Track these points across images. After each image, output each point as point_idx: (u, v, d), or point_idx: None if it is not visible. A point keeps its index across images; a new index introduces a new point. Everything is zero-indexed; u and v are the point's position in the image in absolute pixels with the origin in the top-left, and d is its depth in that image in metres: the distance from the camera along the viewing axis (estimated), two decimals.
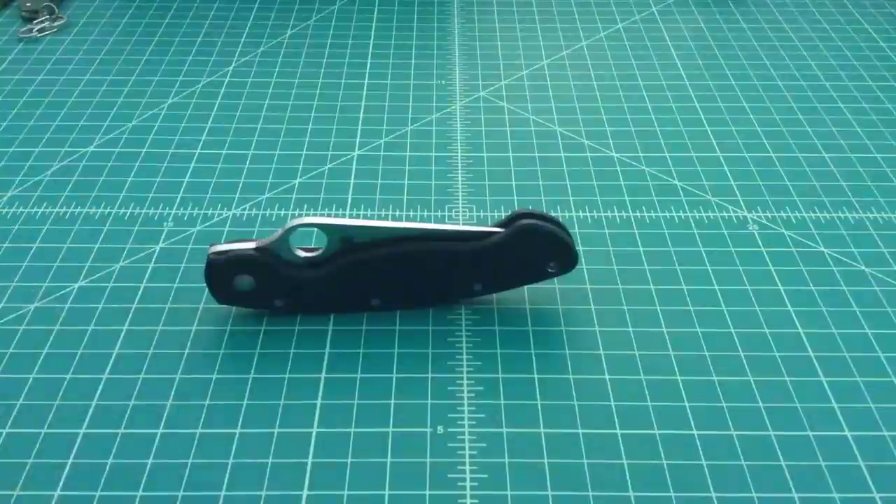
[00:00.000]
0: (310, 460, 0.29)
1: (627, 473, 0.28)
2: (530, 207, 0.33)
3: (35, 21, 0.53)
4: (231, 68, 0.50)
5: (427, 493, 0.28)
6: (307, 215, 0.37)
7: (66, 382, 0.31)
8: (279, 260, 0.32)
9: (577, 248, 0.33)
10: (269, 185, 0.41)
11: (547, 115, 0.46)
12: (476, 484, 0.28)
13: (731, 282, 0.35)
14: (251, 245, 0.32)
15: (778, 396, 0.31)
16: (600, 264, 0.36)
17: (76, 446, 0.29)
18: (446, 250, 0.32)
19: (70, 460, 0.28)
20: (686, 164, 0.42)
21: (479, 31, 0.55)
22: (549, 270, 0.33)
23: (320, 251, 0.32)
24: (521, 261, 0.33)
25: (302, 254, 0.32)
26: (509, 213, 0.33)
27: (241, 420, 0.30)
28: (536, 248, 0.33)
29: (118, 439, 0.29)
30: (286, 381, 0.31)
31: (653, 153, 0.43)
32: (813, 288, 0.35)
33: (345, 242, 0.32)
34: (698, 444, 0.29)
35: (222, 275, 0.32)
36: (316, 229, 0.34)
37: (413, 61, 0.51)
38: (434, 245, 0.32)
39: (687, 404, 0.30)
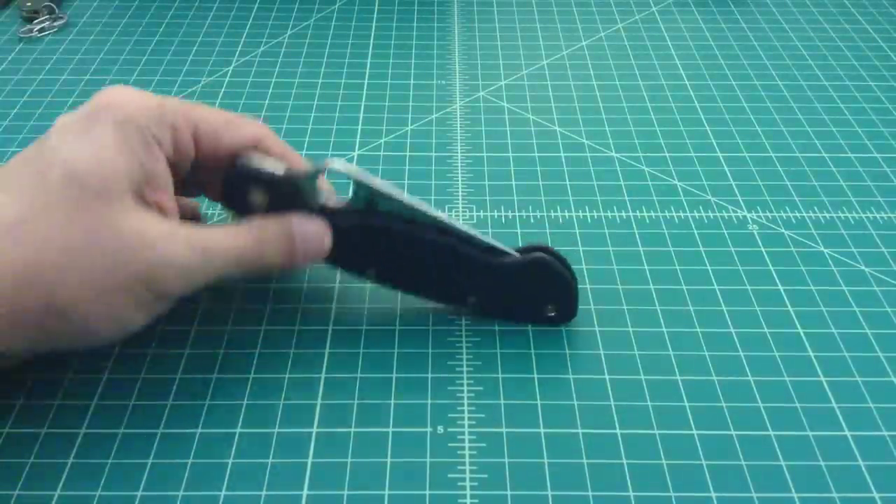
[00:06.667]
0: (310, 460, 0.29)
1: (627, 473, 0.28)
2: (552, 247, 0.32)
3: (35, 21, 0.53)
4: (231, 68, 0.50)
5: (427, 493, 0.28)
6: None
7: (66, 382, 0.31)
8: (299, 194, 0.31)
9: (578, 303, 0.33)
10: None
11: (547, 115, 0.46)
12: (476, 484, 0.28)
13: (731, 282, 0.35)
14: (281, 168, 0.31)
15: (778, 396, 0.31)
16: (600, 264, 0.36)
17: (76, 446, 0.29)
18: (459, 251, 0.32)
19: (70, 460, 0.28)
20: (686, 164, 0.42)
21: (479, 31, 0.55)
22: (547, 313, 0.33)
23: (343, 203, 0.31)
24: (523, 291, 0.32)
25: (324, 197, 0.31)
26: (527, 244, 0.33)
27: (241, 420, 0.30)
28: (543, 283, 0.32)
29: (118, 439, 0.29)
30: (286, 381, 0.31)
31: (653, 153, 0.43)
32: (813, 288, 0.35)
33: (368, 205, 0.31)
34: (698, 444, 0.29)
35: (239, 185, 0.31)
36: (350, 181, 0.31)
37: (413, 61, 0.51)
38: (449, 240, 0.31)
39: (687, 404, 0.30)
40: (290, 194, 0.31)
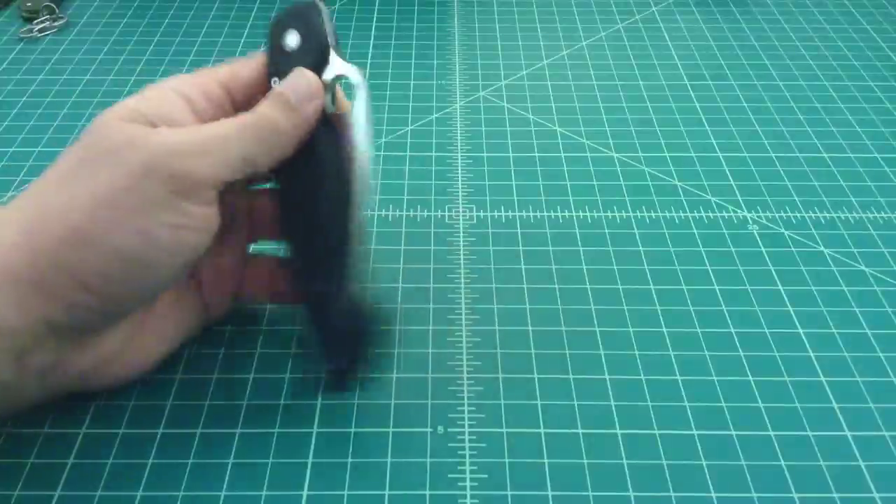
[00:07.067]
0: (310, 460, 0.29)
1: (627, 473, 0.28)
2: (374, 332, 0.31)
3: (35, 21, 0.53)
4: None
5: (427, 493, 0.28)
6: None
7: None
8: (318, 59, 0.29)
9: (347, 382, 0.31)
10: None
11: (547, 115, 0.46)
12: (476, 484, 0.28)
13: (731, 282, 0.35)
14: (333, 37, 0.29)
15: (778, 396, 0.31)
16: (600, 264, 0.36)
17: (76, 446, 0.29)
18: (334, 242, 0.29)
19: (70, 460, 0.28)
20: (686, 164, 0.42)
21: (479, 31, 0.55)
22: (335, 364, 0.31)
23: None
24: (338, 325, 0.30)
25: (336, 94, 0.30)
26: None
27: (240, 420, 0.30)
28: (354, 335, 0.30)
29: (118, 439, 0.29)
30: (286, 381, 0.31)
31: (653, 153, 0.43)
32: (813, 288, 0.35)
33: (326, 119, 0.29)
34: (698, 444, 0.29)
35: (292, 16, 0.29)
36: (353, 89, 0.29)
37: (413, 61, 0.51)
38: (345, 226, 0.29)
39: (687, 404, 0.30)
40: (316, 53, 0.29)
